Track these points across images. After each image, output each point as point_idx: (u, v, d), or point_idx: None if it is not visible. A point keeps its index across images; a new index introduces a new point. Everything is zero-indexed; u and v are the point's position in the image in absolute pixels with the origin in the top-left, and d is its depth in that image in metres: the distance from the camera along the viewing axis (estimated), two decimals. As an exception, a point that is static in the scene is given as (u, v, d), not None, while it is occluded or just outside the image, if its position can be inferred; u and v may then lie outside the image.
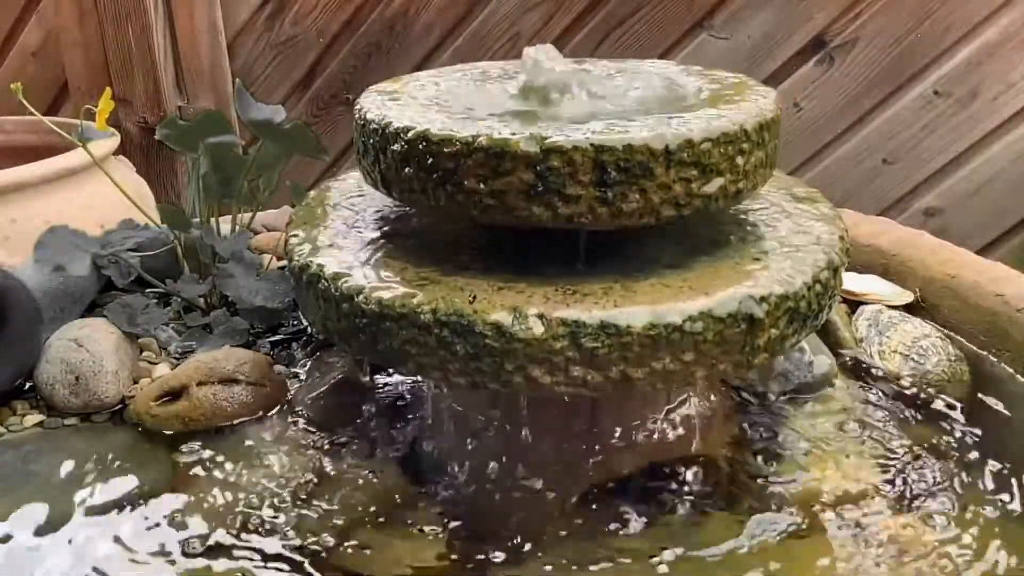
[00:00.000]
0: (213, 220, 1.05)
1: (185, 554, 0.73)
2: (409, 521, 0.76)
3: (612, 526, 0.75)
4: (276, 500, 0.79)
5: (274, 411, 0.90)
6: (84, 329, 0.93)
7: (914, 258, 1.08)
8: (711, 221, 0.83)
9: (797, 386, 0.92)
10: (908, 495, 0.78)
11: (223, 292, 1.01)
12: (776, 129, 0.77)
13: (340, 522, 0.76)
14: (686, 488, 0.79)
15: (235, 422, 0.88)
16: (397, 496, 0.79)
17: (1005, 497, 0.78)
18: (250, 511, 0.78)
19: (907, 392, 0.92)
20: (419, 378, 0.91)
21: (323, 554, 0.73)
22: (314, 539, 0.74)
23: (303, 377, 0.96)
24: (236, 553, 0.73)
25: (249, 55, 1.90)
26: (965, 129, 1.75)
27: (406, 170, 0.74)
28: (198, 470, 0.83)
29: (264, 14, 1.88)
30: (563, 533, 0.75)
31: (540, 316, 0.67)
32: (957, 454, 0.83)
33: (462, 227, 0.84)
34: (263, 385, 0.91)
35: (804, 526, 0.75)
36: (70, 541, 0.75)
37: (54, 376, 0.90)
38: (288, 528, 0.76)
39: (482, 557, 0.72)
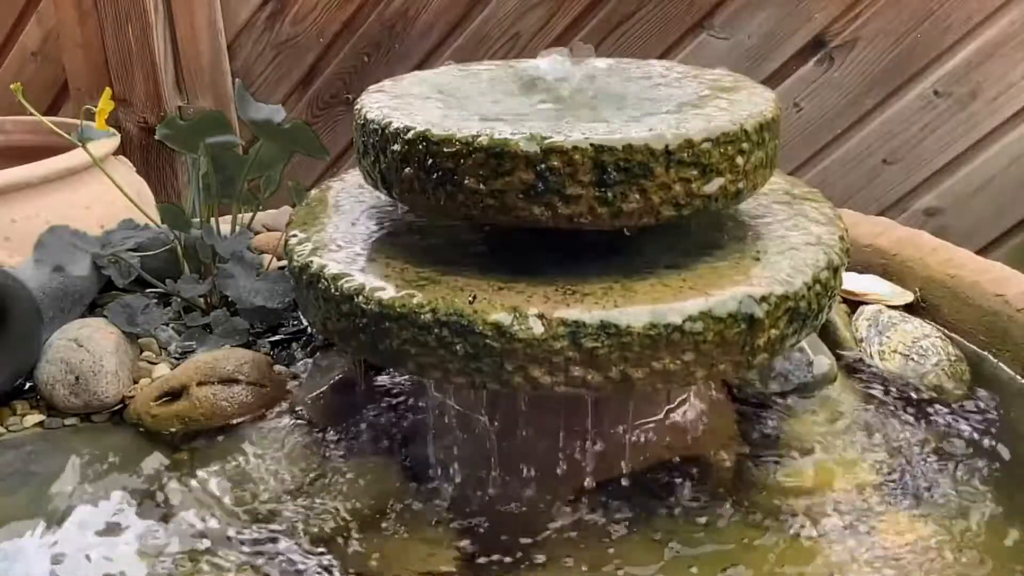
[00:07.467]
0: (213, 220, 1.05)
1: (185, 554, 0.73)
2: (409, 521, 0.76)
3: (611, 526, 0.75)
4: (276, 500, 0.79)
5: (274, 411, 0.90)
6: (84, 329, 0.93)
7: (914, 258, 1.07)
8: (711, 221, 0.83)
9: (797, 386, 0.91)
10: (907, 495, 0.78)
11: (223, 292, 1.01)
12: (776, 129, 0.77)
13: (340, 522, 0.76)
14: (685, 488, 0.79)
15: (235, 422, 0.88)
16: (397, 496, 0.79)
17: (1005, 498, 0.78)
18: (250, 511, 0.78)
19: (907, 392, 0.92)
20: (419, 378, 0.91)
21: (323, 554, 0.73)
22: (314, 539, 0.74)
23: (303, 377, 0.96)
24: (236, 554, 0.73)
25: (249, 55, 1.90)
26: (965, 129, 1.75)
27: (406, 170, 0.74)
28: (198, 470, 0.83)
29: (264, 14, 1.88)
30: (562, 532, 0.75)
31: (540, 316, 0.67)
32: (956, 454, 0.83)
33: (462, 227, 0.84)
34: (263, 385, 0.91)
35: (802, 525, 0.75)
36: (70, 541, 0.75)
37: (54, 376, 0.90)
38: (288, 529, 0.76)
39: (482, 557, 0.73)
